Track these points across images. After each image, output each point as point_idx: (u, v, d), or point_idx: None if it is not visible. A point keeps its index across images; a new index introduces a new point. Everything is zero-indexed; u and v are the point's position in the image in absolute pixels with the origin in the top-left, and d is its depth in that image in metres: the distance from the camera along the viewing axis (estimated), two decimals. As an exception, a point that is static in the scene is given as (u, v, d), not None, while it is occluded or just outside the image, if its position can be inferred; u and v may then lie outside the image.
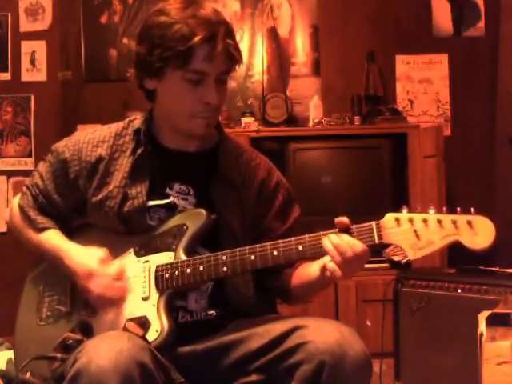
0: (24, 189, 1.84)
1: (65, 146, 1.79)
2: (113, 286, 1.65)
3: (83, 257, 1.68)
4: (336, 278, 1.54)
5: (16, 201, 1.85)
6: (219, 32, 1.62)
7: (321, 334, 1.48)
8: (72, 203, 1.79)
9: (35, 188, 1.81)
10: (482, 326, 1.86)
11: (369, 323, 3.21)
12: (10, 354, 2.17)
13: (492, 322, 1.86)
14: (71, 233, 1.79)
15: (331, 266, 1.52)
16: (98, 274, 1.65)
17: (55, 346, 1.61)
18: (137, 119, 1.80)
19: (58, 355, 1.59)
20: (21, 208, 1.82)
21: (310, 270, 1.65)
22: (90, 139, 1.78)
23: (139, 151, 1.74)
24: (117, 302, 1.65)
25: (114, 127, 1.80)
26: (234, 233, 1.70)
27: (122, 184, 1.72)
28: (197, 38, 1.59)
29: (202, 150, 1.78)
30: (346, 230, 1.52)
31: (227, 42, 1.63)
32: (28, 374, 1.64)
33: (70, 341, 1.59)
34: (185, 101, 1.66)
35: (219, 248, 1.62)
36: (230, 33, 1.66)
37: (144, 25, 1.70)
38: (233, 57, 1.66)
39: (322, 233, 1.55)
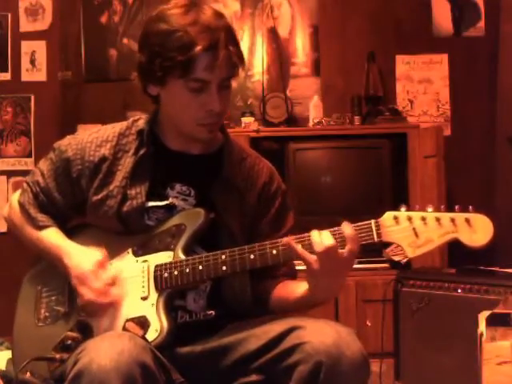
0: (24, 186, 1.83)
1: (68, 145, 1.79)
2: (105, 292, 1.63)
3: (80, 258, 1.68)
4: (312, 271, 1.51)
5: (15, 197, 1.85)
6: (220, 39, 1.59)
7: (318, 334, 1.48)
8: (72, 202, 1.78)
9: (36, 185, 1.80)
10: (482, 326, 1.86)
11: (369, 323, 3.21)
12: (10, 353, 2.17)
13: (492, 321, 1.86)
14: (70, 232, 1.79)
15: (310, 256, 1.50)
16: (91, 278, 1.64)
17: (54, 347, 1.61)
18: (141, 119, 1.79)
19: (57, 356, 1.59)
20: (21, 205, 1.81)
21: (296, 286, 1.65)
22: (93, 139, 1.77)
23: (141, 152, 1.73)
24: (107, 308, 1.64)
25: (118, 127, 1.80)
26: (234, 236, 1.70)
27: (123, 184, 1.72)
28: (197, 48, 1.57)
29: (206, 152, 1.78)
30: None
31: (229, 49, 1.61)
32: (28, 374, 1.64)
33: (69, 341, 1.60)
34: (188, 108, 1.65)
35: (218, 249, 1.62)
36: (231, 38, 1.63)
37: (144, 31, 1.68)
38: (235, 63, 1.65)
39: (321, 232, 1.55)
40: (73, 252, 1.70)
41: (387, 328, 2.83)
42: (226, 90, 1.68)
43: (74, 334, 1.63)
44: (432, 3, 4.00)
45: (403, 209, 1.50)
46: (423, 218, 1.47)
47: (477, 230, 1.44)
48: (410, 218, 1.48)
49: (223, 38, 1.60)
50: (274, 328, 1.55)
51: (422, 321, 2.66)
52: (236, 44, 1.65)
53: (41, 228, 1.77)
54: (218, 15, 1.65)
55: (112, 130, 1.79)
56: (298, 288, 1.63)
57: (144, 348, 1.44)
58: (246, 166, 1.79)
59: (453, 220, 1.45)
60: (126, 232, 1.71)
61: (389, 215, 1.50)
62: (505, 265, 2.67)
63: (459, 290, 2.56)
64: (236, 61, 1.64)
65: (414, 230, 1.47)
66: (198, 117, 1.66)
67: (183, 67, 1.59)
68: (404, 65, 4.00)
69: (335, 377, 1.44)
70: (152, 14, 1.68)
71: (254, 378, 1.57)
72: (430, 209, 1.48)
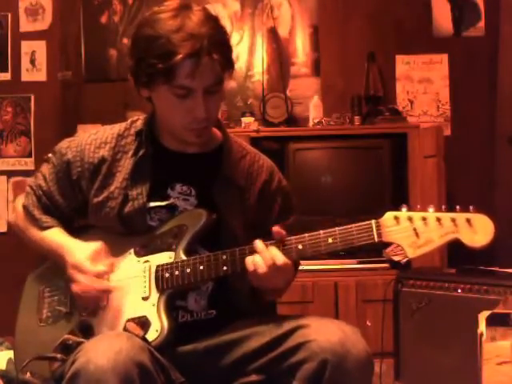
0: (28, 189, 1.84)
1: (68, 148, 1.79)
2: (99, 277, 1.64)
3: (78, 250, 1.68)
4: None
5: (19, 201, 1.86)
6: (203, 47, 1.57)
7: (323, 332, 1.49)
8: (75, 204, 1.79)
9: (38, 189, 1.81)
10: (482, 326, 1.86)
11: (369, 323, 3.21)
12: (10, 353, 2.17)
13: (492, 321, 1.86)
14: (74, 233, 1.79)
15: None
16: (85, 265, 1.64)
17: (55, 347, 1.61)
18: (139, 120, 1.80)
19: (58, 355, 1.59)
20: (25, 208, 1.82)
21: None
22: (92, 140, 1.78)
23: (141, 153, 1.74)
24: (102, 297, 1.65)
25: (117, 128, 1.80)
26: (236, 235, 1.70)
27: (123, 185, 1.72)
28: (178, 57, 1.56)
29: (205, 151, 1.78)
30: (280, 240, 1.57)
31: (212, 57, 1.59)
32: (28, 374, 1.64)
33: (70, 341, 1.60)
34: (174, 113, 1.66)
35: (220, 249, 1.63)
36: (216, 45, 1.60)
37: (132, 36, 1.68)
38: (220, 70, 1.62)
39: (321, 232, 1.55)
40: (74, 248, 1.70)
41: (387, 328, 2.82)
42: (214, 96, 1.66)
43: (75, 334, 1.64)
44: (432, 3, 4.00)
45: (404, 209, 1.50)
46: (424, 218, 1.47)
47: (477, 231, 1.45)
48: (410, 218, 1.48)
49: (206, 46, 1.57)
50: (278, 326, 1.56)
51: (422, 321, 2.65)
52: (222, 50, 1.62)
53: (45, 228, 1.78)
54: (206, 20, 1.62)
55: (110, 131, 1.80)
56: None
57: (142, 348, 1.45)
58: (245, 164, 1.79)
59: (453, 220, 1.46)
60: (129, 233, 1.72)
61: (389, 215, 1.50)
62: (505, 265, 2.67)
63: (459, 290, 2.56)
64: (219, 68, 1.62)
65: (415, 231, 1.47)
66: (184, 122, 1.66)
67: (165, 74, 1.59)
68: (404, 65, 3.99)
69: (341, 375, 1.45)
70: (144, 16, 1.68)
71: (253, 378, 1.58)
72: (430, 209, 1.48)
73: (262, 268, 1.55)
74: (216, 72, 1.62)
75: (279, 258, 1.55)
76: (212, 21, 1.64)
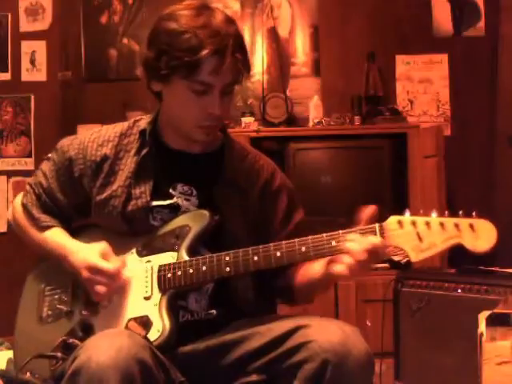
0: (27, 187, 1.84)
1: (70, 145, 1.80)
2: (118, 274, 1.63)
3: (85, 252, 1.67)
4: (341, 277, 1.55)
5: (18, 200, 1.85)
6: (228, 45, 1.60)
7: (324, 333, 1.49)
8: (75, 202, 1.79)
9: (38, 187, 1.81)
10: (482, 326, 1.86)
11: (369, 323, 3.21)
12: (10, 353, 2.17)
13: (492, 321, 1.86)
14: (74, 232, 1.79)
15: (339, 268, 1.52)
16: (101, 265, 1.63)
17: (55, 346, 1.61)
18: (143, 119, 1.80)
19: (58, 354, 1.59)
20: (24, 207, 1.82)
21: (314, 269, 1.65)
22: (95, 138, 1.78)
23: (144, 151, 1.74)
24: (111, 297, 1.65)
25: (119, 127, 1.81)
26: (237, 235, 1.70)
27: (126, 183, 1.73)
28: (204, 52, 1.58)
29: (207, 151, 1.78)
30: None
31: (235, 56, 1.62)
32: (28, 373, 1.64)
33: (71, 340, 1.60)
34: (188, 109, 1.66)
35: (221, 250, 1.63)
36: (239, 45, 1.64)
37: (154, 28, 1.69)
38: (240, 70, 1.66)
39: (324, 235, 1.55)
40: (77, 249, 1.70)
41: (387, 328, 2.83)
42: (229, 96, 1.69)
43: (76, 333, 1.64)
44: (432, 3, 4.00)
45: (407, 213, 1.50)
46: (427, 223, 1.48)
47: (480, 236, 1.45)
48: (413, 223, 1.49)
49: (231, 45, 1.61)
50: (279, 326, 1.56)
51: (421, 321, 2.65)
52: (243, 52, 1.66)
53: (44, 228, 1.78)
54: (229, 21, 1.66)
55: (113, 129, 1.80)
56: (316, 268, 1.64)
57: (143, 345, 1.45)
58: (246, 164, 1.80)
59: (457, 225, 1.46)
60: (131, 232, 1.72)
61: (393, 219, 1.51)
62: (505, 265, 2.67)
63: (459, 290, 2.56)
64: (241, 68, 1.65)
65: (418, 235, 1.48)
66: (197, 118, 1.67)
67: (189, 68, 1.60)
68: (404, 65, 4.00)
69: (341, 375, 1.45)
70: (163, 13, 1.69)
71: (254, 377, 1.58)
72: (433, 214, 1.48)
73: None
74: (236, 71, 1.65)
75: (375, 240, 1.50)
76: (233, 22, 1.67)
